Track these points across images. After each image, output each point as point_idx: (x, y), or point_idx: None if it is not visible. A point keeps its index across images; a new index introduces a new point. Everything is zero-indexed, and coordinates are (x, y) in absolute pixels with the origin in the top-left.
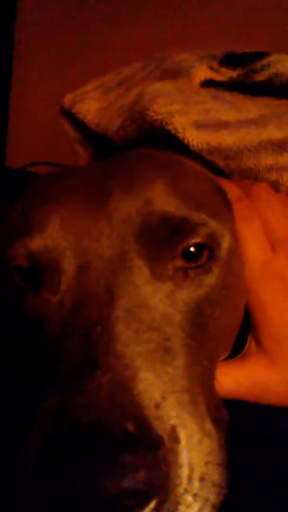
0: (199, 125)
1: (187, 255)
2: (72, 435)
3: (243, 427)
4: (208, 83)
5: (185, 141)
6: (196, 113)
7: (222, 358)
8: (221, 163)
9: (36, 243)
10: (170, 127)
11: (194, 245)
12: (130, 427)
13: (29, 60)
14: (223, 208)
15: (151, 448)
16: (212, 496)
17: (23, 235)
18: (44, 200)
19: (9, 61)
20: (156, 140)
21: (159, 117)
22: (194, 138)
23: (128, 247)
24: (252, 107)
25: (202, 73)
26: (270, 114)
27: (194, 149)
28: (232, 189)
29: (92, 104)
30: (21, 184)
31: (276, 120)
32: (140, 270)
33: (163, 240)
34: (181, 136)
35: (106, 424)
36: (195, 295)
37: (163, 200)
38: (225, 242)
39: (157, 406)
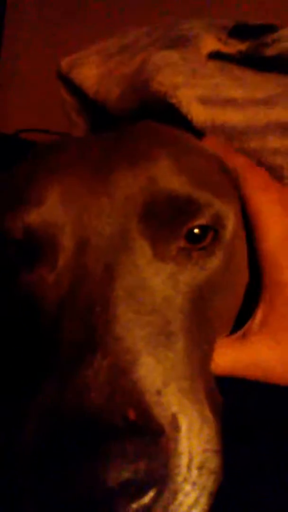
0: (205, 101)
1: (191, 236)
2: (72, 421)
3: (237, 410)
4: (216, 55)
5: (189, 116)
6: (202, 87)
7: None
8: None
9: (34, 216)
10: (174, 101)
11: (199, 226)
12: (131, 414)
13: (21, 20)
14: (229, 188)
15: (152, 437)
16: (209, 483)
17: (21, 207)
18: (43, 171)
19: (0, 22)
20: (157, 113)
21: (163, 88)
22: (199, 114)
23: (130, 225)
24: (261, 85)
25: (210, 44)
26: (280, 93)
27: (197, 125)
28: (239, 159)
29: (91, 70)
30: (15, 151)
31: (285, 101)
32: (142, 249)
33: (167, 220)
34: (184, 110)
35: (106, 411)
36: (198, 277)
37: (167, 178)
38: (230, 224)
39: (158, 392)
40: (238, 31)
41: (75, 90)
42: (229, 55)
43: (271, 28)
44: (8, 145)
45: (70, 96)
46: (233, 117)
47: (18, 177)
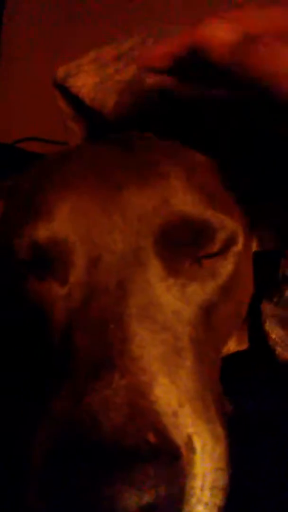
0: None
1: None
2: (91, 439)
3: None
4: None
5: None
6: None
7: (224, 351)
8: None
9: (42, 233)
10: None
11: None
12: (151, 437)
13: (18, 30)
14: (231, 198)
15: (171, 460)
16: (219, 501)
17: (29, 224)
18: (51, 185)
19: None
20: (154, 119)
21: (157, 78)
22: None
23: (144, 244)
24: None
25: None
26: None
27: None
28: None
29: (87, 79)
30: (13, 161)
31: None
32: (156, 267)
33: (183, 242)
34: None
35: (127, 432)
36: (208, 285)
37: (181, 197)
38: (240, 238)
39: (174, 414)
40: None
41: (72, 98)
42: None
43: None
44: (6, 154)
45: (66, 104)
46: None
47: (24, 190)
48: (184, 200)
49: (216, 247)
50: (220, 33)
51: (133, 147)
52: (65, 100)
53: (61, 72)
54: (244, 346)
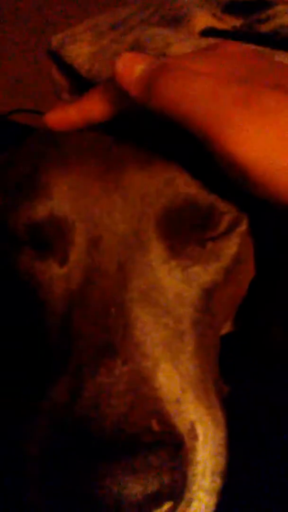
0: None
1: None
2: (94, 428)
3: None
4: (209, 33)
5: None
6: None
7: (223, 332)
8: None
9: (41, 212)
10: None
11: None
12: (155, 424)
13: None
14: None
15: (174, 448)
16: (218, 485)
17: (26, 201)
18: (50, 162)
19: None
20: None
21: (157, 52)
22: None
23: (146, 226)
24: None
25: (203, 20)
26: None
27: None
28: None
29: (83, 48)
30: (7, 134)
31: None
32: (157, 250)
33: (188, 226)
34: None
35: (130, 420)
36: (209, 267)
37: (185, 180)
38: (245, 221)
39: (177, 401)
40: (233, 7)
41: (66, 68)
42: (223, 31)
43: (266, 4)
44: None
45: (61, 75)
46: None
47: (20, 167)
48: (189, 182)
49: (220, 230)
50: (130, 64)
51: (135, 127)
52: (60, 71)
53: (55, 40)
54: (229, 329)
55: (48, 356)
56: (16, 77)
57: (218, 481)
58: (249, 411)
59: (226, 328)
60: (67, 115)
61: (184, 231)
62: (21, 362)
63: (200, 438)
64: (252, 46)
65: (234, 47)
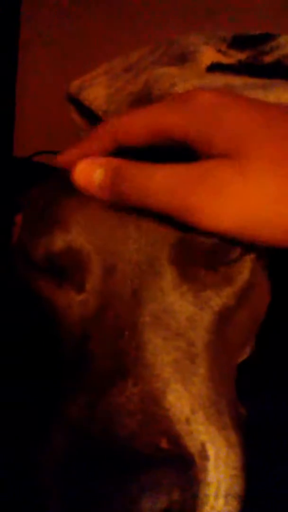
0: None
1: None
2: (104, 447)
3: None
4: (215, 67)
5: None
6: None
7: (242, 358)
8: None
9: (59, 244)
10: None
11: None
12: (164, 443)
13: (34, 46)
14: None
15: (184, 467)
16: (234, 509)
17: (45, 235)
18: (66, 197)
19: (15, 48)
20: None
21: (162, 93)
22: None
23: (159, 254)
24: (270, 88)
25: (209, 56)
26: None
27: None
28: None
29: (100, 91)
30: (30, 175)
31: (284, 85)
32: (170, 276)
33: (201, 254)
34: None
35: (139, 438)
36: (221, 291)
37: None
38: (257, 246)
39: (187, 421)
40: (237, 42)
41: (85, 111)
42: (229, 65)
43: (269, 37)
44: (23, 168)
45: (80, 117)
46: None
47: (42, 202)
48: None
49: (234, 255)
50: (87, 172)
51: (150, 152)
52: (79, 113)
53: (74, 85)
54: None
55: (64, 376)
56: (39, 120)
57: (234, 504)
58: (272, 433)
59: (246, 353)
60: (71, 155)
61: (197, 258)
62: (39, 382)
63: (212, 458)
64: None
65: (204, 97)
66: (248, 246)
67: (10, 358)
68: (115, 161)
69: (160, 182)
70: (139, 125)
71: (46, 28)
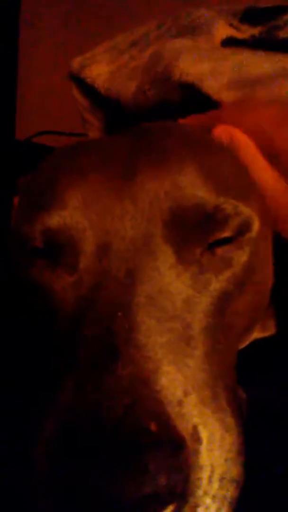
0: (233, 86)
1: (216, 241)
2: (92, 430)
3: (263, 404)
4: (228, 42)
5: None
6: (228, 73)
7: (246, 340)
8: None
9: (55, 220)
10: (203, 91)
11: (225, 236)
12: (153, 426)
13: (36, 25)
14: (251, 185)
15: (174, 450)
16: (230, 493)
17: (41, 211)
18: (65, 175)
19: (16, 28)
20: (174, 104)
21: (190, 78)
22: (229, 98)
23: (154, 230)
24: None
25: (222, 30)
26: None
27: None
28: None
29: (102, 68)
30: (31, 156)
31: None
32: (165, 254)
33: (193, 228)
34: (215, 97)
35: (128, 422)
36: (221, 275)
37: (193, 183)
38: (255, 226)
39: (179, 403)
40: (249, 16)
41: (87, 89)
42: (242, 40)
43: (282, 9)
44: (24, 150)
45: (82, 96)
46: (263, 95)
47: (39, 181)
48: (196, 185)
49: (228, 232)
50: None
51: (149, 136)
52: (81, 92)
53: (76, 63)
54: (270, 332)
55: (57, 360)
56: (39, 101)
57: (230, 488)
58: (274, 418)
59: (249, 338)
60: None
61: (190, 232)
62: (32, 366)
63: (204, 441)
64: None
65: None
66: (244, 223)
67: (6, 348)
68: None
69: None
70: None
71: (48, 8)
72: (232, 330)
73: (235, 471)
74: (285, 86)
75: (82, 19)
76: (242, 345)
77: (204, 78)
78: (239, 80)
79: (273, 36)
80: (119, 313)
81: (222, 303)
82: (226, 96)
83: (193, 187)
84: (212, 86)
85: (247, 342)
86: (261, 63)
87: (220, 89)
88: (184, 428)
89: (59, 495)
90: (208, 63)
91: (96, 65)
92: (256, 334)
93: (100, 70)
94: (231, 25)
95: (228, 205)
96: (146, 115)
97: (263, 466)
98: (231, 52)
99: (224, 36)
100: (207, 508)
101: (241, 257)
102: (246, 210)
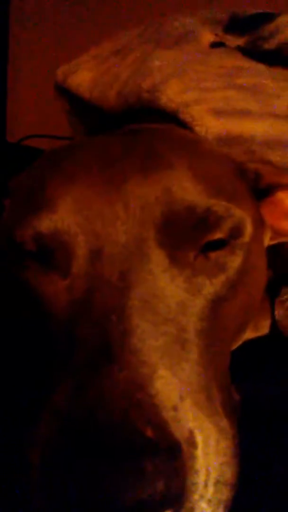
0: (218, 112)
1: (208, 244)
2: (87, 435)
3: (256, 404)
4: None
5: (203, 129)
6: (214, 101)
7: (239, 341)
8: (241, 157)
9: (46, 224)
10: (185, 116)
11: (218, 238)
12: (148, 431)
13: (26, 31)
14: (244, 191)
15: (170, 455)
16: (225, 497)
17: (32, 215)
18: (54, 177)
19: (6, 29)
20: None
21: (173, 105)
22: (213, 126)
23: (146, 234)
24: (276, 92)
25: (210, 36)
26: None
27: (211, 138)
28: None
29: (85, 75)
30: (20, 159)
31: None
32: (159, 258)
33: (186, 231)
34: (199, 123)
35: (123, 426)
36: (214, 278)
37: (184, 187)
38: (248, 229)
39: (175, 408)
40: (234, 25)
41: (72, 96)
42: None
43: (267, 17)
44: (14, 152)
45: (68, 104)
46: (251, 129)
47: (29, 183)
48: (187, 189)
49: (220, 233)
50: None
51: (136, 139)
52: (67, 99)
53: (60, 73)
54: (262, 332)
55: (52, 364)
56: (30, 103)
57: (226, 492)
58: (268, 418)
59: (241, 339)
60: None
61: (182, 235)
62: (27, 369)
63: (200, 445)
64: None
65: None
66: (237, 225)
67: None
68: None
69: None
70: None
71: (37, 13)
72: (225, 332)
73: (230, 474)
74: None
75: (74, 20)
76: (235, 346)
77: (189, 105)
78: (224, 108)
79: (258, 47)
80: (113, 317)
81: (216, 306)
82: (209, 122)
83: (184, 190)
84: (197, 109)
85: (240, 342)
86: (247, 100)
87: (203, 113)
88: (179, 432)
89: (54, 499)
90: (195, 91)
91: (79, 72)
92: (249, 334)
93: (83, 77)
94: (216, 35)
95: (220, 207)
96: (128, 121)
97: (259, 465)
98: (219, 56)
99: (211, 40)
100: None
101: (234, 261)
102: (238, 212)
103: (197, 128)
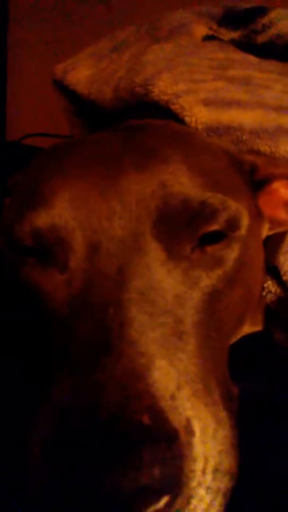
0: (208, 103)
1: (205, 237)
2: (86, 425)
3: (254, 397)
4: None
5: (193, 119)
6: (204, 91)
7: (236, 337)
8: (230, 147)
9: (43, 219)
10: (176, 107)
11: (213, 230)
12: (146, 419)
13: (26, 28)
14: (240, 183)
15: (167, 443)
16: (224, 485)
17: (30, 211)
18: (52, 174)
19: (4, 29)
20: (153, 109)
21: (165, 97)
22: (202, 116)
23: (143, 228)
24: (266, 83)
25: (203, 29)
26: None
27: (201, 127)
28: None
29: (83, 72)
30: (20, 158)
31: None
32: (155, 251)
33: (182, 224)
34: (187, 113)
35: (121, 416)
36: (211, 271)
37: (179, 180)
38: (244, 222)
39: (172, 397)
40: (228, 19)
41: (71, 93)
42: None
43: (261, 11)
44: (12, 152)
45: (66, 101)
46: (241, 117)
47: (28, 180)
48: (182, 183)
49: (216, 225)
50: None
51: (132, 135)
52: (65, 97)
53: (58, 70)
54: (260, 326)
55: (51, 357)
56: (29, 103)
57: (224, 480)
58: (265, 411)
59: (240, 333)
60: None
61: (179, 229)
62: (27, 364)
63: (197, 434)
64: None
65: None
66: (233, 218)
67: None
68: None
69: None
70: None
71: (37, 13)
72: (223, 325)
73: (228, 463)
74: None
75: (74, 20)
76: (233, 340)
77: (180, 96)
78: (214, 98)
79: (252, 40)
80: (111, 310)
81: (213, 299)
82: (199, 113)
83: (179, 184)
84: (188, 100)
85: (238, 336)
86: (238, 92)
87: (193, 103)
88: (177, 421)
89: (55, 489)
90: (185, 83)
91: (77, 70)
92: (247, 329)
93: (81, 75)
94: (210, 28)
95: (215, 199)
96: (125, 117)
97: (257, 458)
98: (213, 48)
99: (204, 33)
100: (200, 499)
101: (231, 254)
102: (234, 204)
103: (186, 119)
